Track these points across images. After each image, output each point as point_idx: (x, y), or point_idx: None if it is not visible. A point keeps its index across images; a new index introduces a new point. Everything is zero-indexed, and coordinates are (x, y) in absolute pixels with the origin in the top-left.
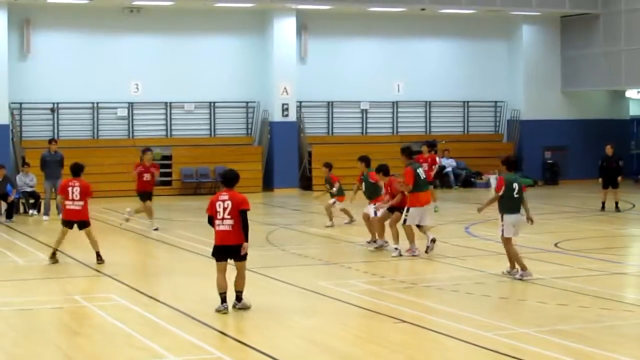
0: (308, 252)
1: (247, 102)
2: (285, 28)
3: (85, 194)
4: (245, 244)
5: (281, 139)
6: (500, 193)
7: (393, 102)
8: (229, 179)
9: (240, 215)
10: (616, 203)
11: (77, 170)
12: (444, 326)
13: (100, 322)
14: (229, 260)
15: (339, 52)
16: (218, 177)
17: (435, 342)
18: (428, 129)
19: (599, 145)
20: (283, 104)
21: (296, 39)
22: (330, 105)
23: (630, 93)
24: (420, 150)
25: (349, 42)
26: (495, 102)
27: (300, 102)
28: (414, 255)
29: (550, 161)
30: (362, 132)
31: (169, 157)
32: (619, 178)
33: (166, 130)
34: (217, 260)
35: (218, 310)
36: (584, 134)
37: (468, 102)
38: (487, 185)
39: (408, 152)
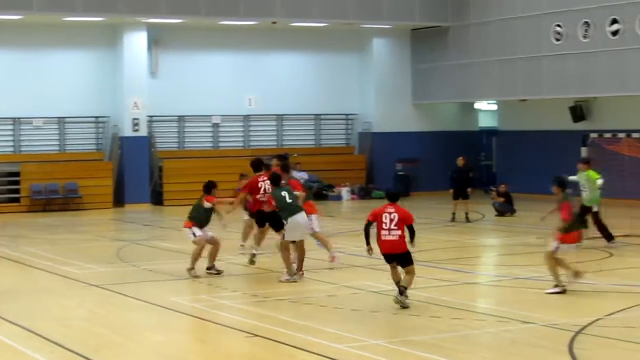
0: (160, 267)
1: (97, 117)
2: (135, 42)
3: None
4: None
5: (132, 154)
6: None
7: (244, 116)
8: (395, 195)
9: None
10: (466, 214)
11: None
12: (296, 339)
13: None
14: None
15: (190, 66)
16: (68, 194)
17: (288, 356)
18: (280, 142)
19: (450, 156)
20: (134, 119)
21: (147, 53)
22: (181, 119)
23: (480, 105)
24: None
25: (200, 56)
26: (347, 114)
27: (152, 117)
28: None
29: (401, 173)
30: (214, 146)
31: (16, 174)
32: (469, 189)
33: (14, 146)
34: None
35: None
36: (435, 146)
37: (320, 115)
38: (340, 197)
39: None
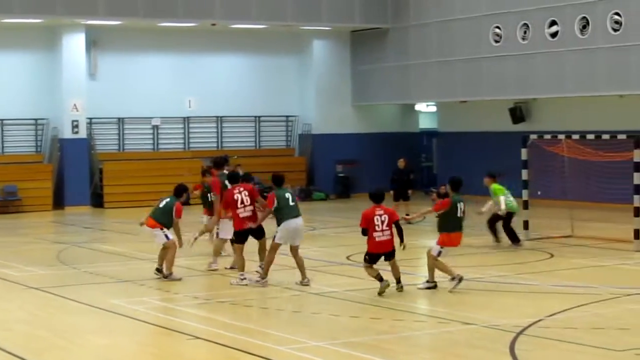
0: (100, 270)
1: (36, 120)
2: (74, 44)
3: None
4: None
5: (72, 157)
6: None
7: (184, 118)
8: (381, 196)
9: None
10: (406, 214)
11: None
12: (238, 341)
13: None
14: None
15: (129, 67)
16: (7, 197)
17: (230, 358)
18: (220, 144)
19: (391, 158)
20: (73, 121)
21: (86, 55)
22: (121, 121)
23: (420, 106)
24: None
25: (139, 58)
26: (287, 116)
27: (91, 119)
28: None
29: (342, 175)
30: (154, 148)
31: None
32: (410, 191)
33: None
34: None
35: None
36: (375, 148)
37: (260, 117)
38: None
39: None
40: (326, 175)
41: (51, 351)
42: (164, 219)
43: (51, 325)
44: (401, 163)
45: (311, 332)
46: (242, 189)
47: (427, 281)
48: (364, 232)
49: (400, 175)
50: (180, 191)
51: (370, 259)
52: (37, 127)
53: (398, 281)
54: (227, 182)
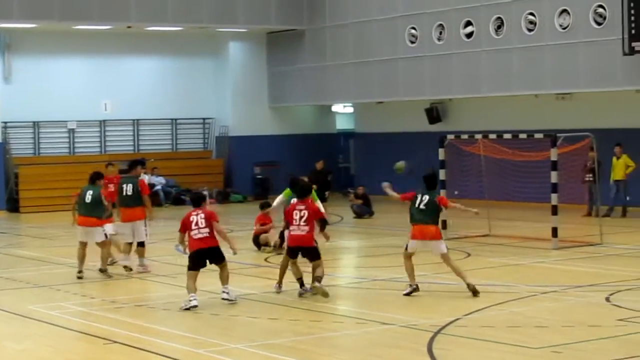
0: (17, 275)
1: None
2: None
3: None
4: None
5: None
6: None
7: (101, 121)
8: (305, 191)
9: None
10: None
11: None
12: (156, 345)
13: None
14: None
15: (45, 71)
16: None
17: None
18: (137, 147)
19: (309, 159)
20: None
21: (0, 58)
22: (36, 125)
23: (337, 107)
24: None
25: (55, 61)
26: (204, 118)
27: (6, 123)
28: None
29: (260, 176)
30: (70, 152)
31: None
32: (327, 192)
33: None
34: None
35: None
36: (293, 149)
37: (176, 119)
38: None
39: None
40: (244, 177)
41: None
42: (97, 211)
43: None
44: (319, 164)
45: (229, 335)
46: (200, 212)
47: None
48: (281, 233)
49: (318, 177)
50: (94, 179)
51: (288, 252)
52: None
53: (318, 281)
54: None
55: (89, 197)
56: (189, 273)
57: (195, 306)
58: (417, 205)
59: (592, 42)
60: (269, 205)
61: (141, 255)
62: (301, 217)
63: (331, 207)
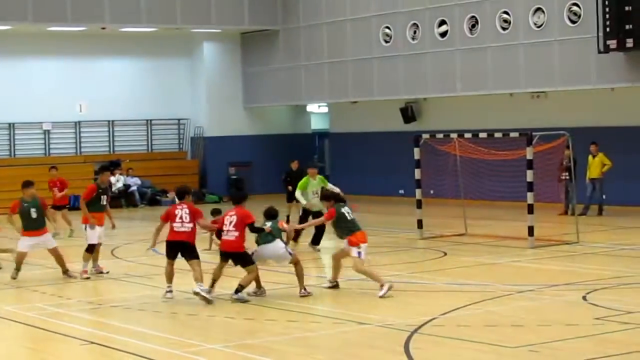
0: None
1: None
2: None
3: None
4: None
5: None
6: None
7: (76, 122)
8: (238, 198)
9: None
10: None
11: None
12: (132, 345)
13: None
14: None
15: (19, 72)
16: None
17: None
18: (112, 148)
19: (283, 159)
20: None
21: None
22: (12, 126)
23: (312, 107)
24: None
25: (29, 62)
26: (179, 119)
27: None
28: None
29: (234, 177)
30: (46, 154)
31: None
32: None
33: None
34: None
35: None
36: (268, 149)
37: (151, 120)
38: (173, 202)
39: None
40: (219, 178)
41: None
42: (43, 223)
43: None
44: (294, 165)
45: (206, 335)
46: (184, 206)
47: (330, 281)
48: (217, 233)
49: (293, 177)
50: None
51: (220, 256)
52: None
53: (237, 290)
54: (175, 197)
55: (34, 214)
56: (167, 260)
57: (170, 298)
58: (349, 217)
59: (566, 41)
60: (220, 212)
61: (94, 259)
62: (230, 222)
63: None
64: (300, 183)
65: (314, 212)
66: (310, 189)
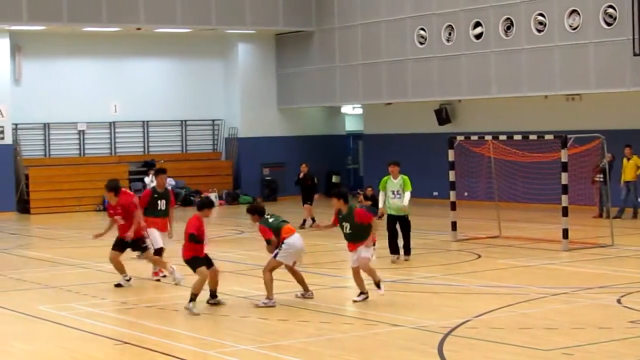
0: (26, 276)
1: None
2: None
3: None
4: None
5: None
6: None
7: (110, 123)
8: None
9: None
10: (312, 219)
11: None
12: (165, 346)
13: None
14: None
15: (54, 73)
16: None
17: None
18: (146, 149)
19: (318, 161)
20: None
21: (10, 60)
22: (47, 126)
23: (346, 109)
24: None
25: (64, 63)
26: (213, 120)
27: (16, 125)
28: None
29: (268, 178)
30: (80, 154)
31: None
32: (316, 195)
33: None
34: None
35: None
36: (301, 150)
37: (186, 121)
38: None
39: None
40: (252, 179)
41: None
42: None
43: None
44: (303, 167)
45: (239, 336)
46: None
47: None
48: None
49: (304, 180)
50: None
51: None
52: None
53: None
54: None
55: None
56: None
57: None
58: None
59: (601, 43)
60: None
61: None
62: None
63: (316, 208)
64: (380, 182)
65: (399, 216)
66: (389, 189)
